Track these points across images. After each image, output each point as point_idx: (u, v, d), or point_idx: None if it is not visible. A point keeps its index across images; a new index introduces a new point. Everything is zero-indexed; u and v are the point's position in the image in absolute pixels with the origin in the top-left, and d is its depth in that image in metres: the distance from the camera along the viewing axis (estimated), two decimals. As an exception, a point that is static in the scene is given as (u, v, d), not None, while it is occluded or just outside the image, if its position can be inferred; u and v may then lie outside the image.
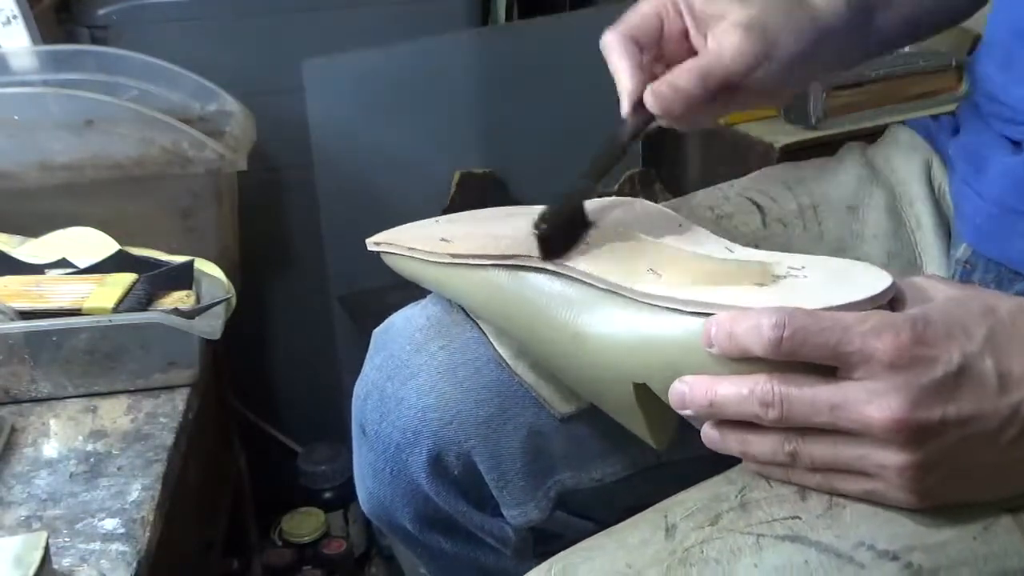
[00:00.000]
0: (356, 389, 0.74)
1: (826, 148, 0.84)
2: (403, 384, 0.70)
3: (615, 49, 0.64)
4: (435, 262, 0.65)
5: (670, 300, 0.53)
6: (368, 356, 0.74)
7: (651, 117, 0.63)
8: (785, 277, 0.54)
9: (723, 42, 0.62)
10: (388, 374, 0.71)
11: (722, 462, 0.53)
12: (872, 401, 0.46)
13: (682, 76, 0.62)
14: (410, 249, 0.66)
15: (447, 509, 0.73)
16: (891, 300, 0.51)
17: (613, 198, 0.69)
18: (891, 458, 0.47)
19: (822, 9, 0.65)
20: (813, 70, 0.68)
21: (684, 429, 0.55)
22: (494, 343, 0.69)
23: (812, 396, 0.47)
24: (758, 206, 0.75)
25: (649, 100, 0.62)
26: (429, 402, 0.69)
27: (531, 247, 0.60)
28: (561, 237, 0.60)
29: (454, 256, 0.64)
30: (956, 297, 0.50)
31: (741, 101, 0.66)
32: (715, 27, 0.63)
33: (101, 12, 1.30)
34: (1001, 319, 0.49)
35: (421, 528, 0.76)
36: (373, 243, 0.70)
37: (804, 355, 0.47)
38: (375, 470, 0.74)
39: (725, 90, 0.63)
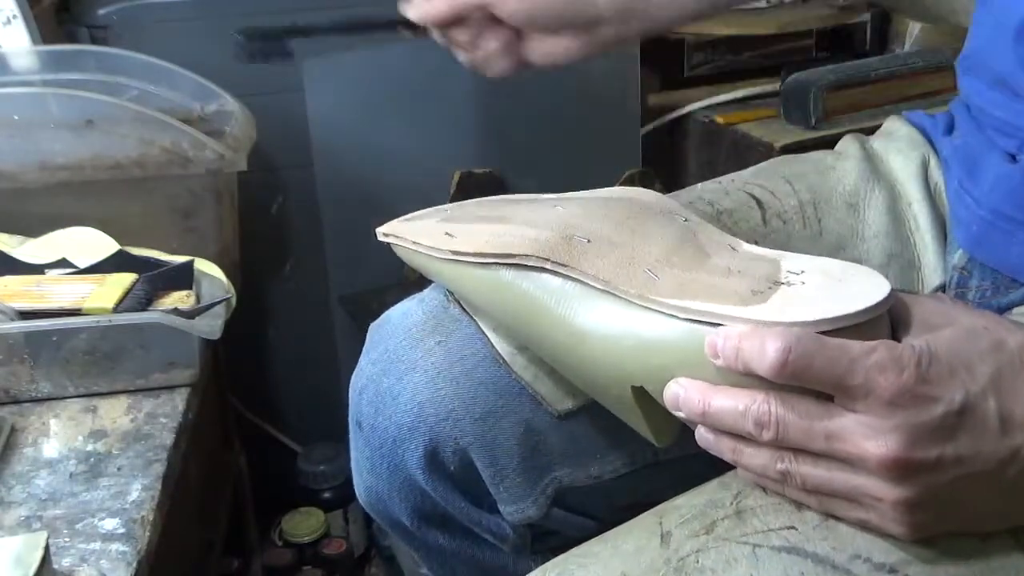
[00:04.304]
0: (352, 383, 0.74)
1: (826, 149, 0.83)
2: (399, 379, 0.70)
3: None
4: (438, 257, 0.65)
5: (664, 305, 0.53)
6: (364, 350, 0.74)
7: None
8: (783, 283, 0.53)
9: None
10: (384, 368, 0.71)
11: (721, 461, 0.52)
12: (870, 436, 0.46)
13: None
14: (415, 243, 0.67)
15: (444, 505, 0.73)
16: (899, 323, 0.50)
17: (623, 187, 0.69)
18: (885, 492, 0.46)
19: None
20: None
21: (684, 427, 0.54)
22: (491, 339, 0.69)
23: (809, 423, 0.47)
24: (758, 202, 0.75)
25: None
26: (425, 397, 0.68)
27: (532, 247, 0.60)
28: None
29: (455, 253, 0.64)
30: (968, 328, 0.49)
31: (537, 50, 0.82)
32: None
33: (101, 12, 1.29)
34: (1009, 357, 0.48)
35: (418, 524, 0.76)
36: (382, 234, 0.70)
37: (807, 381, 0.47)
38: (372, 465, 0.73)
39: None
